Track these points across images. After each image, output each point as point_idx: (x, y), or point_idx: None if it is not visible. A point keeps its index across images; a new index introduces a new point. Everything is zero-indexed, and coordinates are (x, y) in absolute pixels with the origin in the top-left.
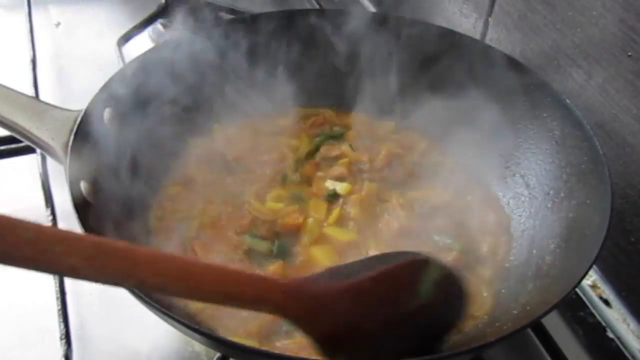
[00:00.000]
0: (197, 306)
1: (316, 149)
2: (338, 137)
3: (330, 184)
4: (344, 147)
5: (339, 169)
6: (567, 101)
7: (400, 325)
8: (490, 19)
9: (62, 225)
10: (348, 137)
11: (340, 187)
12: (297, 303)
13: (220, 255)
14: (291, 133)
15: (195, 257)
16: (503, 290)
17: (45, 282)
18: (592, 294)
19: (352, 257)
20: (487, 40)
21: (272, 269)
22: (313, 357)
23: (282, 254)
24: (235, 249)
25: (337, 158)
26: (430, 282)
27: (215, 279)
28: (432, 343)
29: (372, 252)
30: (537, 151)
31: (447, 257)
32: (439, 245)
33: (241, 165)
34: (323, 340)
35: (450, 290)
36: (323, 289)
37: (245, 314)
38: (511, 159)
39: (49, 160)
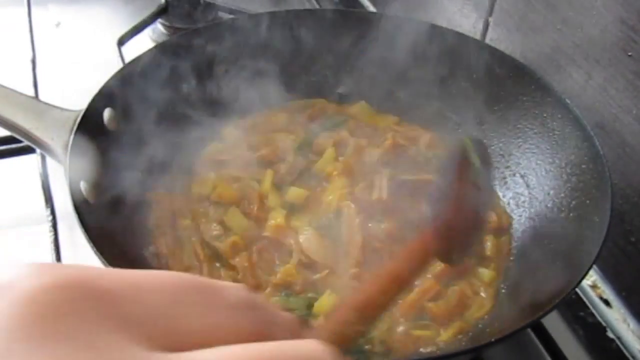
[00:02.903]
0: None
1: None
2: (337, 126)
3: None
4: (343, 133)
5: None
6: (567, 101)
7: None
8: (490, 19)
9: (61, 225)
10: (347, 127)
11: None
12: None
13: None
14: (288, 129)
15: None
16: (503, 290)
17: None
18: (592, 294)
19: None
20: (487, 40)
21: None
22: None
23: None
24: None
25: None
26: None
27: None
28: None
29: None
30: (537, 151)
31: None
32: None
33: None
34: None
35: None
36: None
37: None
38: (511, 159)
39: (49, 160)
